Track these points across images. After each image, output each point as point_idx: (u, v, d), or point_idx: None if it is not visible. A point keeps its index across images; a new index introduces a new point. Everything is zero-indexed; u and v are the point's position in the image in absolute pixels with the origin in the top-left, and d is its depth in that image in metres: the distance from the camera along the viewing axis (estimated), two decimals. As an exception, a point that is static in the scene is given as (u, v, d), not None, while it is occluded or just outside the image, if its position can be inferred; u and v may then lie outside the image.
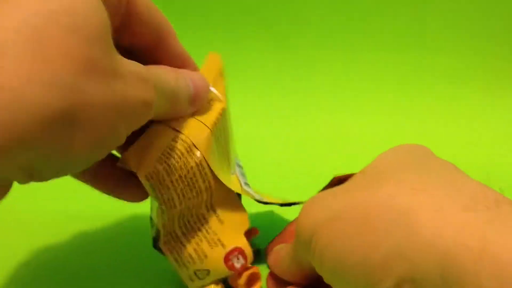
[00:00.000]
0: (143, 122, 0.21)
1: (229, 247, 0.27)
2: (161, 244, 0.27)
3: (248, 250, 0.28)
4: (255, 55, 0.61)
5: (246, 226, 0.28)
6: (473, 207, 0.17)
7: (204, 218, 0.27)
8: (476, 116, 0.57)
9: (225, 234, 0.27)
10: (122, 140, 0.20)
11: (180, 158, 0.24)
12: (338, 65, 0.61)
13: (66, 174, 0.20)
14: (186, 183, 0.24)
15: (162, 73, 0.22)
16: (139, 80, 0.19)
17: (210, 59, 0.29)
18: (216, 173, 0.26)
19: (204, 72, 0.27)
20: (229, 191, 0.27)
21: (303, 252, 0.23)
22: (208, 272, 0.27)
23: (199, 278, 0.27)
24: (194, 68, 0.27)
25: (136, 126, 0.21)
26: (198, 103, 0.25)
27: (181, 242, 0.27)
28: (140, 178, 0.24)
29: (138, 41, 0.24)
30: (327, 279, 0.22)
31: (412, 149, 0.23)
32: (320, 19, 0.61)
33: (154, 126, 0.24)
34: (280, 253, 0.27)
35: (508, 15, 0.61)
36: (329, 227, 0.20)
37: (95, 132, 0.18)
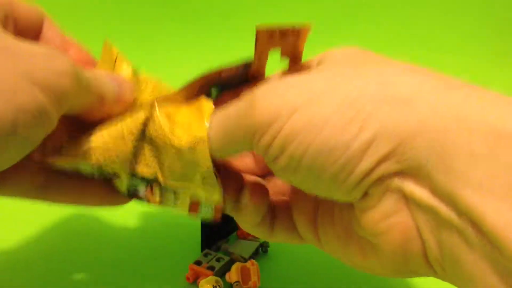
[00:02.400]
0: (65, 96, 0.20)
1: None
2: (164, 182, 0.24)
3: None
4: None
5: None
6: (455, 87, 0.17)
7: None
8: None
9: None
10: (52, 116, 0.20)
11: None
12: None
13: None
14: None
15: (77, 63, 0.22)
16: (47, 54, 0.20)
17: (105, 48, 0.28)
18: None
19: (103, 64, 0.27)
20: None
21: (249, 132, 0.20)
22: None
23: (216, 176, 0.24)
24: (80, 51, 0.27)
25: (60, 98, 0.20)
26: (124, 102, 0.25)
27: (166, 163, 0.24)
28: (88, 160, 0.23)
29: (21, 29, 0.25)
30: (282, 168, 0.19)
31: (360, 50, 0.23)
32: (321, 18, 0.61)
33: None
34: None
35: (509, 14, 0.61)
36: (306, 110, 0.18)
37: (11, 97, 0.18)
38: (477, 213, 0.15)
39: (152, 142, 0.24)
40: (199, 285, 0.28)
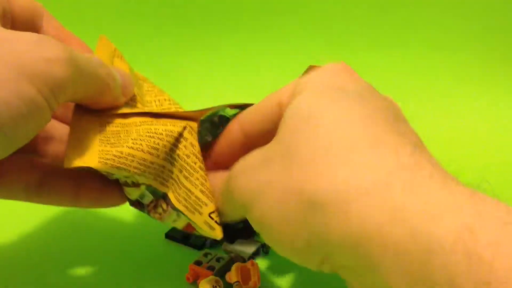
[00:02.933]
0: (60, 85, 0.19)
1: None
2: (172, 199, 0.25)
3: None
4: (256, 55, 0.61)
5: None
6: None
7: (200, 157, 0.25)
8: (474, 114, 0.57)
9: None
10: (44, 108, 0.19)
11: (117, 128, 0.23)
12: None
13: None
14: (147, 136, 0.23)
15: (77, 51, 0.21)
16: (36, 41, 0.19)
17: (101, 43, 0.27)
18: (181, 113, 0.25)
19: (100, 56, 0.26)
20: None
21: (235, 207, 0.23)
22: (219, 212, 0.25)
23: (217, 223, 0.25)
24: (81, 45, 0.26)
25: (54, 88, 0.19)
26: (128, 93, 0.24)
27: (185, 187, 0.24)
28: (97, 167, 0.22)
29: (20, 24, 0.24)
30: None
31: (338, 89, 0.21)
32: (321, 18, 0.61)
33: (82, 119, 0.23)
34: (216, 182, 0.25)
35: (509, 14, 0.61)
36: (263, 199, 0.20)
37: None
38: None
39: (178, 161, 0.24)
40: (199, 285, 0.28)
